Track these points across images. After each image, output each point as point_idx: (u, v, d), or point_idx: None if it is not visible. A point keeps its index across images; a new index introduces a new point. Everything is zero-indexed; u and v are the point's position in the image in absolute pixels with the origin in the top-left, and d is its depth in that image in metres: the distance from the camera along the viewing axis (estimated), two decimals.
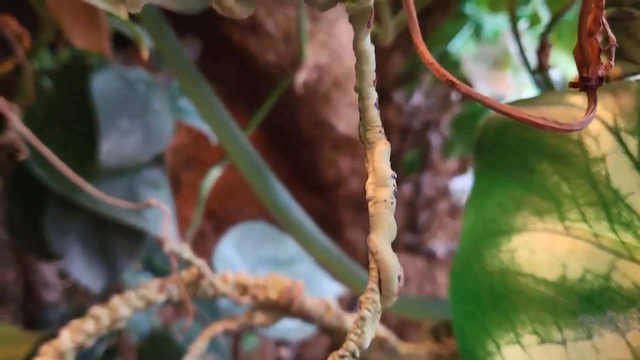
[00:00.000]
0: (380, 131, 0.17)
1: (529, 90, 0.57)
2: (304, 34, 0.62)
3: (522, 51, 0.49)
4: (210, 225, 0.81)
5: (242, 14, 0.17)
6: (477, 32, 0.66)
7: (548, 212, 0.25)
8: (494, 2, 0.56)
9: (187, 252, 0.36)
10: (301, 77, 0.63)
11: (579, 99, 0.25)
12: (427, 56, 0.17)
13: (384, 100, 0.81)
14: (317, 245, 0.46)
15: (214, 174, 0.66)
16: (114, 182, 0.51)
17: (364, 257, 0.89)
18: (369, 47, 0.18)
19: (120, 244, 0.52)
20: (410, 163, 0.79)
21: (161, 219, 0.52)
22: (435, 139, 0.75)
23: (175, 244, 0.35)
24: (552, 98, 0.26)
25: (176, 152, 0.76)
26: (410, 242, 0.77)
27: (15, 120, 0.34)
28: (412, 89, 0.78)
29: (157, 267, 0.61)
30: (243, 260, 0.63)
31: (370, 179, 0.17)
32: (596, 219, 0.24)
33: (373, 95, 0.18)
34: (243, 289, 0.39)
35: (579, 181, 0.24)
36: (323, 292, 0.68)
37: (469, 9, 0.65)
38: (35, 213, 0.49)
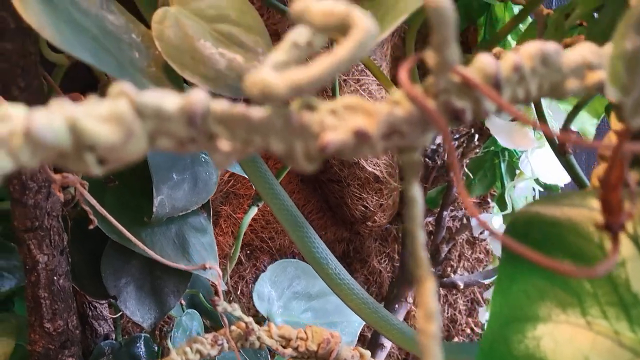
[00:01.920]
0: (429, 269, 0.19)
1: (547, 147, 0.58)
2: (337, 87, 0.64)
3: (543, 120, 0.50)
4: (244, 253, 0.83)
5: (310, 169, 0.19)
6: None
7: (571, 306, 0.27)
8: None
9: (237, 310, 0.38)
10: None
11: None
12: (473, 210, 0.19)
13: None
14: (354, 296, 0.47)
15: (252, 213, 0.69)
16: (165, 228, 0.53)
17: (387, 285, 0.91)
18: (418, 194, 0.20)
19: (168, 284, 0.55)
20: (432, 199, 0.80)
21: (207, 259, 0.55)
22: None
23: (227, 304, 0.37)
24: (575, 200, 0.28)
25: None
26: (433, 272, 0.78)
27: (86, 193, 0.36)
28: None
29: (200, 302, 0.63)
30: (278, 296, 0.65)
31: (419, 312, 0.19)
32: (616, 318, 0.25)
33: (422, 237, 0.19)
34: (286, 341, 0.41)
35: (600, 282, 0.26)
36: (350, 321, 0.70)
37: None
38: (94, 259, 0.52)
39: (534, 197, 0.67)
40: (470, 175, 0.75)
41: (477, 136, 0.74)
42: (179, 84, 0.35)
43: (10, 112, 0.16)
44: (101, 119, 0.16)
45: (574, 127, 0.58)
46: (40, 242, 0.42)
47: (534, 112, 0.56)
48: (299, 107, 0.19)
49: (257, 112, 0.18)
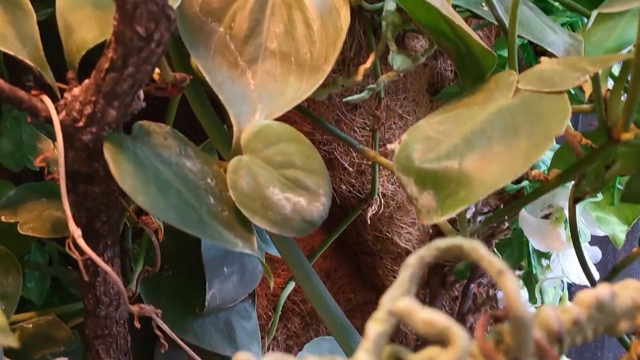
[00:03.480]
0: None
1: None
2: (376, 175, 0.67)
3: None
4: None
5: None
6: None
7: None
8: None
9: None
10: (371, 211, 0.68)
11: None
12: None
13: None
14: None
15: (289, 288, 0.72)
16: (214, 318, 0.56)
17: (412, 347, 0.94)
18: None
19: None
20: (460, 271, 0.83)
21: (251, 346, 0.58)
22: None
23: None
24: None
25: None
26: None
27: (159, 321, 0.39)
28: (466, 209, 0.81)
29: None
30: None
31: None
32: None
33: None
34: None
35: None
36: None
37: None
38: (149, 348, 0.55)
39: (562, 288, 0.70)
40: (498, 254, 0.77)
41: (506, 217, 0.76)
42: (249, 228, 0.38)
43: None
44: None
45: (603, 232, 0.60)
46: (108, 348, 0.45)
47: (567, 214, 0.59)
48: (387, 356, 0.22)
49: None
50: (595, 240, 0.62)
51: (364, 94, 0.53)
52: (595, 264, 0.63)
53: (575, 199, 0.42)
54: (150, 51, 0.31)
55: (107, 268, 0.33)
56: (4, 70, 0.49)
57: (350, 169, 0.69)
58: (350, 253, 0.84)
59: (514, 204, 0.45)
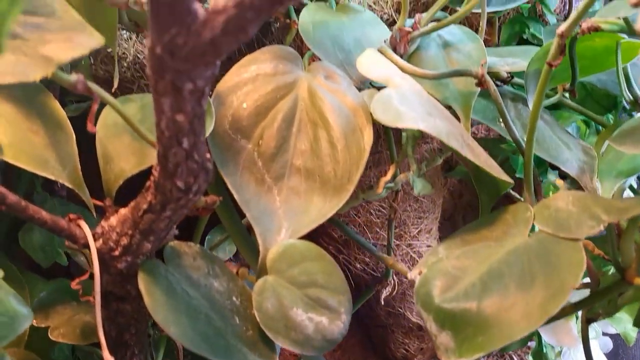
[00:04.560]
0: None
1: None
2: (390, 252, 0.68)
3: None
4: None
5: None
6: None
7: None
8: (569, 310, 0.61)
9: None
10: (385, 292, 0.70)
11: None
12: None
13: None
14: None
15: None
16: None
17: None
18: None
19: None
20: None
21: None
22: None
23: None
24: None
25: None
26: None
27: None
28: None
29: None
30: None
31: None
32: None
33: None
34: None
35: None
36: None
37: None
38: None
39: None
40: None
41: None
42: (272, 347, 0.40)
43: None
44: None
45: (614, 330, 0.61)
46: None
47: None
48: None
49: None
50: None
51: (382, 193, 0.54)
52: (606, 354, 0.64)
53: (587, 320, 0.43)
54: (188, 200, 0.32)
55: None
56: None
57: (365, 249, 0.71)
58: (363, 326, 0.85)
59: None
